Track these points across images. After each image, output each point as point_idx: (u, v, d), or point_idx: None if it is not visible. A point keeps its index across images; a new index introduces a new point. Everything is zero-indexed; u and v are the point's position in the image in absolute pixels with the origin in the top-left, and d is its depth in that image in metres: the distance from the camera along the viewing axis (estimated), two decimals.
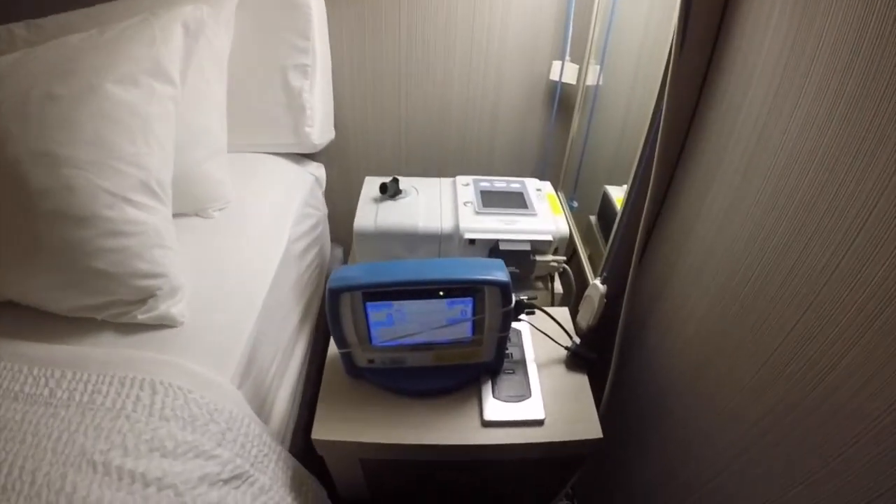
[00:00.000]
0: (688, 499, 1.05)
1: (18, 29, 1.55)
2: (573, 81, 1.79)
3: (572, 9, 1.71)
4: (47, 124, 1.09)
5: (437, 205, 1.55)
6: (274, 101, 1.68)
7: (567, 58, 1.76)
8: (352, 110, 1.95)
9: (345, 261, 2.03)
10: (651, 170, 1.04)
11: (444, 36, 1.80)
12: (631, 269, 1.13)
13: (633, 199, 1.17)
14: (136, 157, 1.14)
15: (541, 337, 1.28)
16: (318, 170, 1.89)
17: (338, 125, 1.93)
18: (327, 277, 1.68)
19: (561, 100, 1.88)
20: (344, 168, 2.06)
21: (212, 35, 1.45)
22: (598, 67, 1.64)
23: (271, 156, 1.76)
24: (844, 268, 0.66)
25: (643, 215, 1.08)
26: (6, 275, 1.14)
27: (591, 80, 1.70)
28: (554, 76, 1.82)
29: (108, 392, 0.96)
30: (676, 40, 0.94)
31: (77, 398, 0.95)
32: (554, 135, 1.96)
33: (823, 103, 0.70)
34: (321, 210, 1.87)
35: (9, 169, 1.07)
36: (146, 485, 0.84)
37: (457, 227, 1.45)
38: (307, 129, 1.71)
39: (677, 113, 1.03)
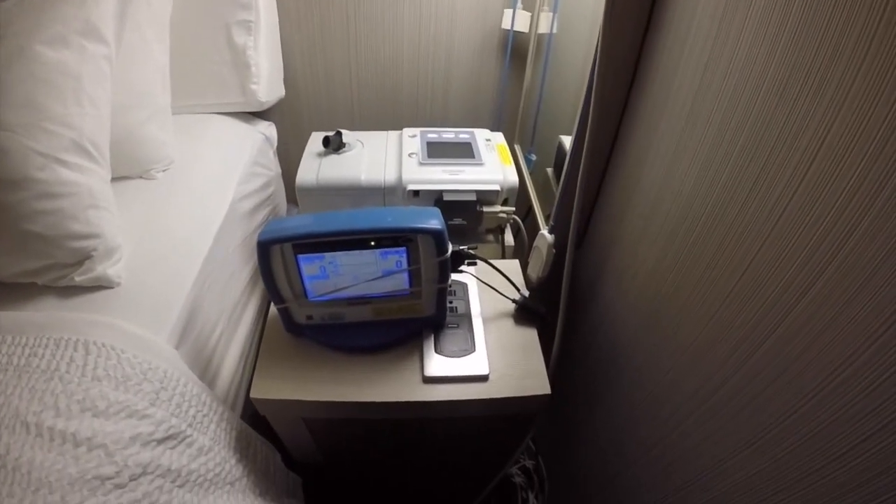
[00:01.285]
0: (647, 453, 1.05)
1: None
2: (525, 30, 1.77)
3: None
4: None
5: (382, 157, 1.54)
6: (219, 59, 1.66)
7: (519, 5, 1.74)
8: (302, 67, 1.93)
9: None
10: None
11: None
12: (573, 217, 1.11)
13: (576, 146, 1.15)
14: (68, 118, 1.13)
15: (489, 290, 1.27)
16: (268, 129, 1.87)
17: (288, 83, 1.91)
18: None
19: (514, 49, 1.86)
20: (298, 127, 2.04)
21: None
22: (551, 14, 1.62)
23: (219, 115, 1.74)
24: (796, 204, 0.64)
25: (582, 160, 1.06)
26: None
27: (543, 27, 1.68)
28: (506, 25, 1.80)
29: (43, 354, 0.96)
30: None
31: (15, 362, 0.95)
32: (509, 86, 1.95)
33: (770, 25, 0.68)
34: (273, 170, 1.85)
35: None
36: (76, 444, 0.84)
37: (400, 178, 1.44)
38: (253, 87, 1.70)
39: (615, 51, 1.02)
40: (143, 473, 0.88)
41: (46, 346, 0.97)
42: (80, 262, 1.12)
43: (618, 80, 1.07)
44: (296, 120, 2.03)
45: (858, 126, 0.54)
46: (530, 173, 1.74)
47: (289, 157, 2.01)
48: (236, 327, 1.43)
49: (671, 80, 0.93)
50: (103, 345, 0.98)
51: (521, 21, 1.76)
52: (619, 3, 0.97)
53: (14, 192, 1.06)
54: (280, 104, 1.87)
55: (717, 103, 0.80)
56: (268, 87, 1.74)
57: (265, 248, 1.00)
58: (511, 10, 1.76)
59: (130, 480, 0.86)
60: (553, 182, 1.51)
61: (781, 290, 0.66)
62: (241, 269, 1.49)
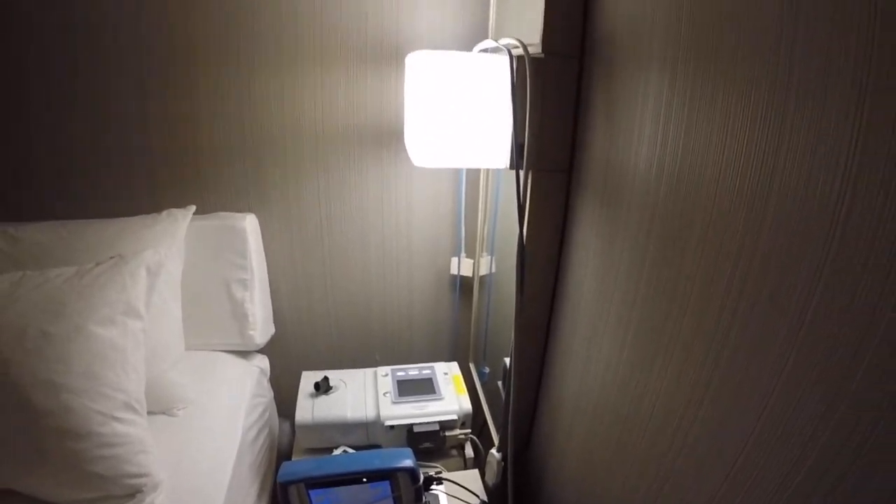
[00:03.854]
0: None
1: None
2: (469, 273, 2.19)
3: (462, 214, 2.15)
4: (45, 357, 1.38)
5: (362, 396, 1.89)
6: (221, 310, 2.02)
7: (462, 254, 2.17)
8: (289, 308, 2.31)
9: (291, 433, 2.28)
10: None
11: (360, 246, 2.22)
12: (509, 438, 1.48)
13: (508, 386, 1.53)
14: (119, 384, 1.45)
15: (456, 500, 1.62)
16: (262, 361, 2.21)
17: (276, 316, 2.27)
18: (278, 453, 1.97)
19: (462, 288, 2.28)
20: (286, 352, 2.38)
21: (170, 267, 1.78)
22: (489, 257, 2.01)
23: (222, 353, 2.08)
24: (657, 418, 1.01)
25: (511, 397, 1.46)
26: (11, 472, 1.41)
27: (484, 269, 2.09)
28: (454, 271, 2.22)
29: None
30: (517, 287, 1.33)
31: None
32: (461, 316, 2.35)
33: (619, 331, 1.10)
34: (267, 396, 2.17)
35: (14, 391, 1.35)
36: None
37: (378, 415, 1.79)
38: (251, 333, 2.05)
39: (527, 324, 1.42)
40: None
41: None
42: (131, 495, 1.42)
43: (535, 337, 1.49)
44: (284, 349, 2.37)
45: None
46: (483, 384, 2.09)
47: (279, 378, 2.34)
48: None
49: (572, 336, 1.34)
50: None
51: (465, 267, 2.19)
52: (529, 284, 1.37)
53: (79, 441, 1.36)
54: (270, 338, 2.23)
55: (600, 358, 1.21)
56: (262, 331, 2.10)
57: (284, 487, 1.34)
58: (456, 259, 2.18)
59: None
60: (502, 392, 1.84)
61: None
62: (251, 487, 1.78)
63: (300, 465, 1.39)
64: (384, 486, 1.40)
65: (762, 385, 0.73)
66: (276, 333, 2.25)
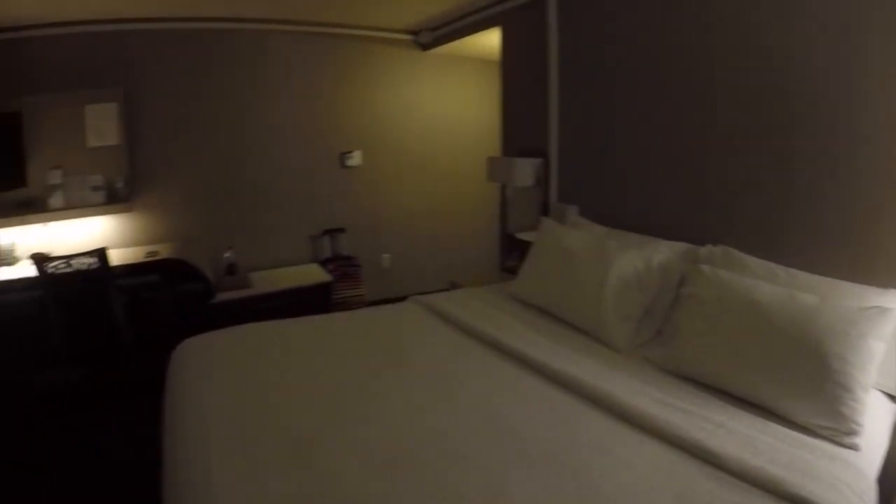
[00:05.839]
0: None
1: (780, 271, 2.85)
2: None
3: None
4: (845, 341, 2.25)
5: None
6: None
7: None
8: None
9: None
10: None
11: None
12: None
13: None
14: (866, 377, 2.23)
15: None
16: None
17: None
18: None
19: None
20: None
21: None
22: None
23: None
24: None
25: None
26: (780, 398, 2.32)
27: None
28: None
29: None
30: None
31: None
32: None
33: None
34: None
35: (821, 360, 2.25)
36: None
37: None
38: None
39: None
40: None
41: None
42: (848, 434, 2.14)
43: None
44: None
45: None
46: None
47: None
48: None
49: None
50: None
51: None
52: None
53: (844, 391, 2.20)
54: None
55: None
56: None
57: None
58: None
59: None
60: None
61: None
62: None
63: None
64: None
65: None
66: None
